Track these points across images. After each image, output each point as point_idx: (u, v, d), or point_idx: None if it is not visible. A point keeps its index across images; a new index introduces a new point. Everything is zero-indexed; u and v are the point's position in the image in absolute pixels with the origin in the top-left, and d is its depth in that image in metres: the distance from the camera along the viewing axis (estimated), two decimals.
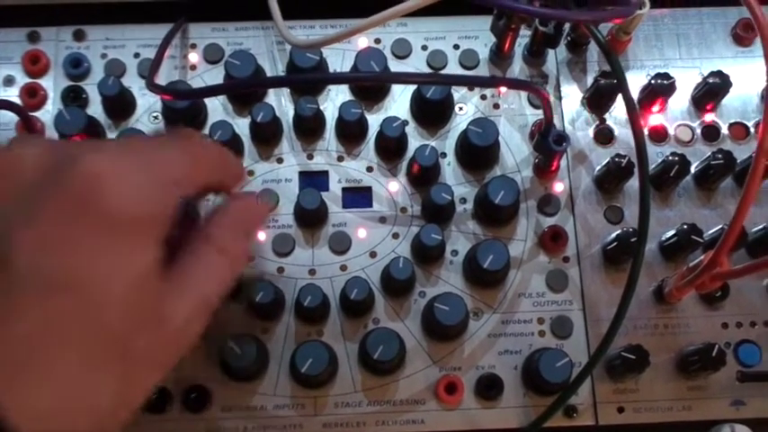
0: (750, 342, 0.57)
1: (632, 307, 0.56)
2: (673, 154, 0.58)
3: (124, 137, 0.57)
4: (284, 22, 0.56)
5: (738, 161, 0.58)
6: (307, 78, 0.58)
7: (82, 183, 0.36)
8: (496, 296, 0.57)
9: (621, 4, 0.52)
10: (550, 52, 0.62)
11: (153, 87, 0.55)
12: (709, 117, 0.61)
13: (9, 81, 0.61)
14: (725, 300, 0.57)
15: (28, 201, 0.36)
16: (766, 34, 0.47)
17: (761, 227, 0.57)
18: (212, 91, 0.57)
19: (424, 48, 0.62)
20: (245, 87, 0.59)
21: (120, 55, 0.61)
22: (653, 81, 0.59)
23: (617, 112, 0.61)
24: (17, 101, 0.60)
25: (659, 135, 0.60)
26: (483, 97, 0.61)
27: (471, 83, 0.60)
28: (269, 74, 0.61)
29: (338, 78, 0.59)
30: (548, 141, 0.55)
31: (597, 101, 0.60)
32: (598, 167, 0.59)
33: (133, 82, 0.61)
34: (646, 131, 0.60)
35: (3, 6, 0.62)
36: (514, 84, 0.59)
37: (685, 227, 0.56)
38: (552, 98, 0.60)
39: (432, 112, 0.60)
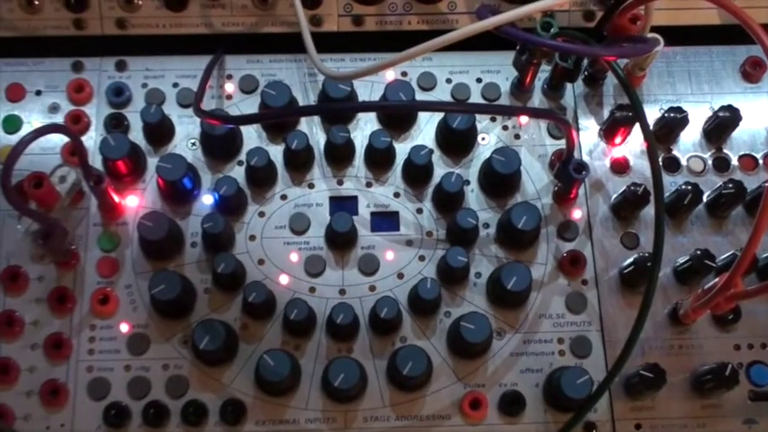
0: (761, 363, 0.59)
1: (648, 328, 0.59)
2: (686, 183, 0.61)
3: None
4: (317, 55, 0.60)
5: (748, 191, 0.61)
6: (341, 107, 0.61)
7: None
8: (518, 317, 0.60)
9: (637, 41, 0.55)
10: (568, 86, 0.65)
11: (200, 113, 0.58)
12: (719, 149, 0.64)
13: (54, 108, 0.64)
14: (737, 322, 0.60)
15: None
16: None
17: None
18: (253, 119, 0.60)
19: (449, 81, 0.65)
20: (284, 116, 0.63)
21: (160, 84, 0.65)
22: (666, 114, 0.62)
23: (632, 143, 0.64)
24: None
25: (672, 165, 0.63)
26: (505, 128, 0.64)
27: (497, 112, 0.63)
28: (301, 103, 0.64)
29: (370, 107, 0.62)
30: (568, 170, 0.58)
31: (613, 132, 0.63)
32: (615, 195, 0.62)
33: (172, 110, 0.64)
34: (659, 162, 0.63)
35: (49, 37, 0.65)
36: (539, 113, 0.62)
37: (698, 252, 0.59)
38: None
39: (456, 142, 0.63)
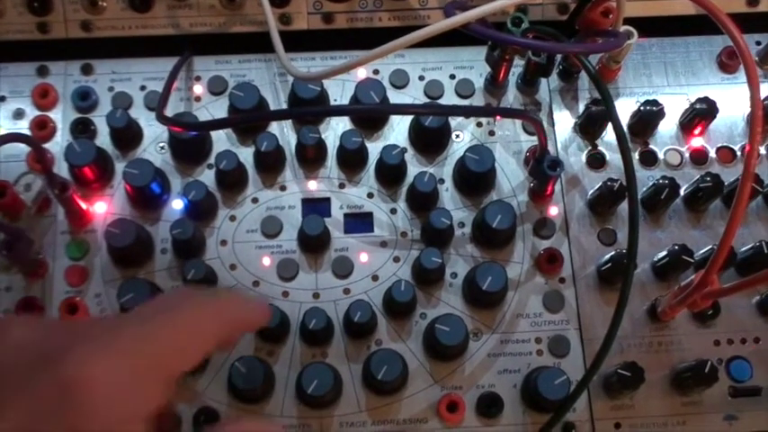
0: (741, 358, 0.59)
1: (627, 326, 0.59)
2: (663, 178, 0.60)
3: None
4: (286, 54, 0.59)
5: (726, 183, 0.60)
6: (310, 111, 0.60)
7: (64, 385, 0.35)
8: (495, 317, 0.59)
9: (609, 35, 0.54)
10: (543, 81, 0.64)
11: (163, 120, 0.57)
12: (696, 141, 0.63)
13: (19, 114, 0.63)
14: (716, 318, 0.59)
15: (5, 385, 0.35)
16: (749, 61, 0.49)
17: (749, 246, 0.59)
18: (220, 124, 0.59)
19: (422, 78, 0.64)
20: (251, 121, 0.62)
21: (127, 88, 0.63)
22: (642, 108, 0.61)
23: (608, 138, 0.63)
24: (27, 133, 0.61)
25: (649, 159, 0.63)
26: (479, 125, 0.63)
27: (467, 113, 0.62)
28: (272, 105, 0.63)
29: (340, 111, 0.61)
30: (542, 167, 0.57)
31: (589, 127, 0.62)
32: (591, 191, 0.61)
33: (140, 113, 0.63)
34: (636, 156, 0.62)
35: (12, 41, 0.64)
36: (509, 113, 0.61)
37: (676, 248, 0.58)
38: (546, 125, 0.62)
39: (429, 140, 0.62)
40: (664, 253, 0.59)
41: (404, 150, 0.60)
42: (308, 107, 0.62)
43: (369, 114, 0.61)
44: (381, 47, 0.50)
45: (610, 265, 0.59)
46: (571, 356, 0.58)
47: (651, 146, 0.63)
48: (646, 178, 0.62)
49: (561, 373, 0.55)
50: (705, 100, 0.62)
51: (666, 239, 0.61)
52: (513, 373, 0.58)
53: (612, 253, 0.59)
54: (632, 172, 0.55)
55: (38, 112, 0.63)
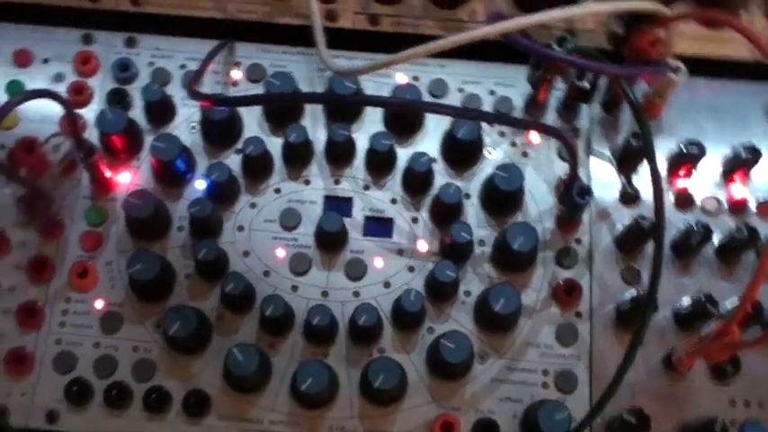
0: (756, 423, 0.56)
1: (640, 371, 0.56)
2: (697, 223, 0.57)
3: None
4: (328, 50, 0.58)
5: (763, 237, 0.58)
6: (343, 97, 0.59)
7: None
8: (504, 342, 0.57)
9: (656, 65, 0.53)
10: (584, 108, 0.62)
11: (192, 93, 0.56)
12: (737, 190, 0.61)
13: (59, 77, 0.63)
14: (735, 376, 0.56)
15: None
16: None
17: None
18: (248, 100, 0.59)
19: (461, 90, 0.63)
20: (282, 100, 0.61)
21: (167, 65, 0.64)
22: (684, 148, 0.59)
23: (645, 174, 0.61)
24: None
25: (685, 202, 0.60)
26: (513, 144, 0.62)
27: (504, 121, 0.60)
28: None
29: (374, 101, 0.60)
30: (571, 193, 0.56)
31: (626, 161, 0.61)
32: (620, 227, 0.59)
33: (176, 92, 0.63)
34: (672, 198, 0.60)
35: (62, 7, 0.65)
36: (544, 129, 0.59)
37: (702, 296, 0.56)
38: (581, 153, 0.61)
39: (461, 153, 0.61)
40: (688, 300, 0.57)
41: (432, 160, 0.59)
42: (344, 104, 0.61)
43: (403, 109, 0.60)
44: (424, 45, 0.49)
45: (630, 304, 0.56)
46: (577, 394, 0.56)
47: (689, 189, 0.61)
48: (679, 221, 0.59)
49: (564, 409, 0.53)
50: (751, 149, 0.59)
51: (693, 287, 0.58)
52: (514, 402, 0.56)
53: (634, 293, 0.57)
54: (662, 211, 0.53)
55: (77, 78, 0.63)
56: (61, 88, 0.62)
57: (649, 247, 0.59)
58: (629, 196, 0.61)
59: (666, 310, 0.58)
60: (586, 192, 0.56)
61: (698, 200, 0.61)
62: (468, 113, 0.57)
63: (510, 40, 0.47)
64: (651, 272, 0.53)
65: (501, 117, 0.59)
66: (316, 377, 0.53)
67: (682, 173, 0.60)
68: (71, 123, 0.56)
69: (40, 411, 0.56)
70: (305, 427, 0.55)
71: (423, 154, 0.59)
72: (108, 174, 0.59)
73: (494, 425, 0.55)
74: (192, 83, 0.58)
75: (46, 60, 0.64)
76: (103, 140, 0.60)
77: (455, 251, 0.58)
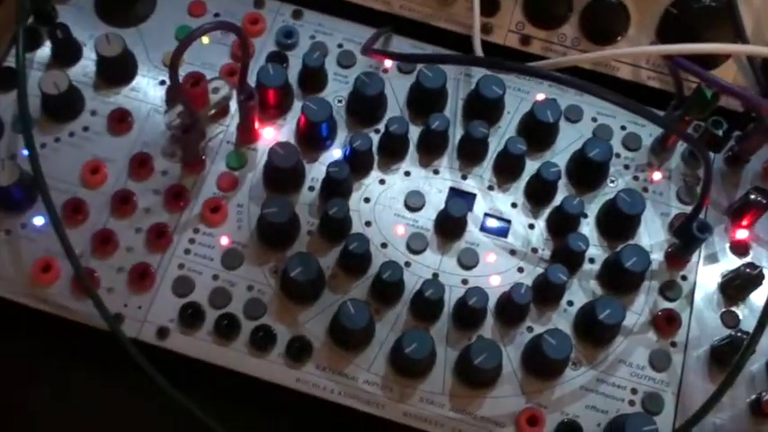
0: None
1: (726, 412, 0.58)
2: None
3: None
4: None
5: None
6: (504, 64, 0.61)
7: None
8: (598, 355, 0.59)
9: None
10: (714, 157, 0.65)
11: (366, 50, 0.63)
12: None
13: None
14: None
15: None
16: None
17: None
18: (424, 58, 0.65)
19: (594, 120, 0.67)
20: (455, 62, 0.66)
21: (327, 41, 0.68)
22: None
23: (760, 229, 0.63)
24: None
25: None
26: (635, 178, 0.65)
27: (648, 117, 0.58)
28: (450, 99, 0.66)
29: (539, 73, 0.62)
30: (691, 226, 0.58)
31: (741, 213, 0.63)
32: (726, 272, 0.61)
33: (330, 66, 0.67)
34: None
35: None
36: (688, 138, 0.61)
37: None
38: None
39: (589, 172, 0.63)
40: None
41: (560, 171, 0.62)
42: (485, 107, 0.65)
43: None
44: (600, 51, 0.52)
45: (727, 343, 0.58)
46: (662, 417, 0.57)
47: None
48: None
49: (652, 423, 0.54)
50: None
51: None
52: (600, 412, 0.57)
53: (733, 333, 0.58)
54: None
55: None
56: (226, 42, 0.67)
57: (753, 296, 0.61)
58: (740, 247, 0.63)
59: (763, 359, 0.59)
60: (707, 228, 0.58)
61: None
62: (627, 103, 0.55)
63: (674, 61, 0.51)
64: (760, 317, 0.54)
65: (648, 114, 0.57)
66: (420, 343, 0.55)
67: None
68: (243, 55, 0.58)
69: (152, 327, 0.58)
70: (396, 392, 0.57)
71: (554, 164, 0.62)
72: (256, 124, 0.63)
73: (578, 428, 0.56)
74: (367, 45, 0.63)
75: (217, 15, 0.68)
76: (259, 93, 0.64)
77: (567, 259, 0.60)
